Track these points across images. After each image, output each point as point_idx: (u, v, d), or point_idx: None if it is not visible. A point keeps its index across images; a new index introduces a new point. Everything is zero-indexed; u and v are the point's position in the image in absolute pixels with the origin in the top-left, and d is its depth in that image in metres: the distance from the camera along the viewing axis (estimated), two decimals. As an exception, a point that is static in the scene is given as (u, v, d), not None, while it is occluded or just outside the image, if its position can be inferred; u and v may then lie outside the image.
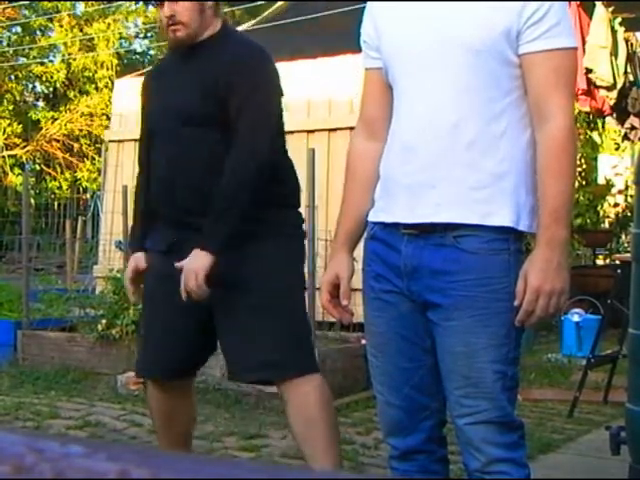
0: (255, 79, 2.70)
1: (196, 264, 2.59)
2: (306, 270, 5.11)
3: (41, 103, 20.72)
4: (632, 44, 7.33)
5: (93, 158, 18.00)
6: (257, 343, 2.69)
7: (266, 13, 9.83)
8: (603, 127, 9.88)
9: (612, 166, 9.36)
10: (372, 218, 2.09)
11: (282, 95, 2.82)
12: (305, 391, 2.72)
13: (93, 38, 18.29)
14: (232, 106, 2.66)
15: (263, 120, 2.71)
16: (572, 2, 6.50)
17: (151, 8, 20.45)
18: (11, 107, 18.76)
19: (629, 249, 4.22)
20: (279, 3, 9.94)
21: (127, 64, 19.01)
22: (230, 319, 2.72)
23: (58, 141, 18.44)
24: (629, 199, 8.50)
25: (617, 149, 10.25)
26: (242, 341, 2.71)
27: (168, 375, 2.89)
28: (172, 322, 2.80)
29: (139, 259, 2.88)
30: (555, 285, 1.88)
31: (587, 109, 7.37)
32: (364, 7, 2.18)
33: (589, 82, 6.70)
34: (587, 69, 6.59)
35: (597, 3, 6.70)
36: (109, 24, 18.45)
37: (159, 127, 2.82)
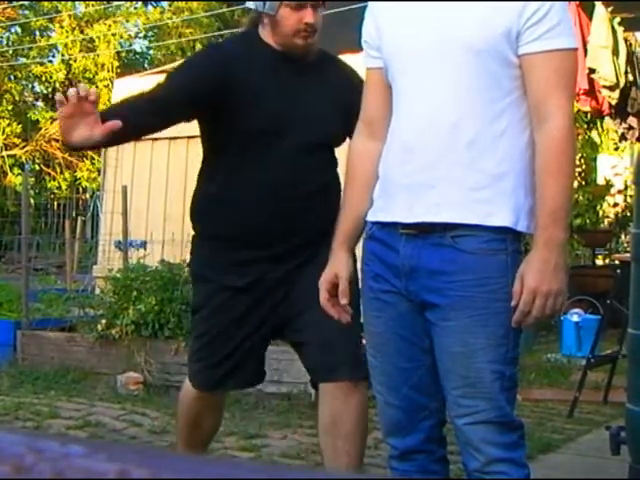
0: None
1: None
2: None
3: (40, 103, 20.71)
4: (631, 44, 7.33)
5: (93, 158, 17.99)
6: (348, 342, 2.64)
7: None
8: (602, 127, 9.88)
9: (611, 166, 9.36)
10: (370, 218, 2.09)
11: None
12: (353, 400, 2.67)
13: (93, 39, 18.28)
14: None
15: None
16: (572, 2, 6.51)
17: (151, 9, 20.45)
18: (10, 107, 18.75)
19: (629, 249, 4.22)
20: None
21: (127, 64, 19.00)
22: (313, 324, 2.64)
23: (58, 141, 18.39)
24: (628, 199, 8.50)
25: (616, 149, 10.25)
26: (335, 341, 2.64)
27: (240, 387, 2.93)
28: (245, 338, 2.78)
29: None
30: (552, 286, 1.88)
31: (587, 109, 7.37)
32: (365, 7, 2.18)
33: (591, 82, 6.69)
34: (590, 69, 6.59)
35: (597, 3, 6.70)
36: (109, 26, 18.45)
37: (275, 141, 2.67)
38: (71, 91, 2.24)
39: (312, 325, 2.62)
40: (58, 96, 2.26)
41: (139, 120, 2.56)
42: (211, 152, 2.81)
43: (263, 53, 2.75)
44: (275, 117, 2.68)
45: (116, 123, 2.28)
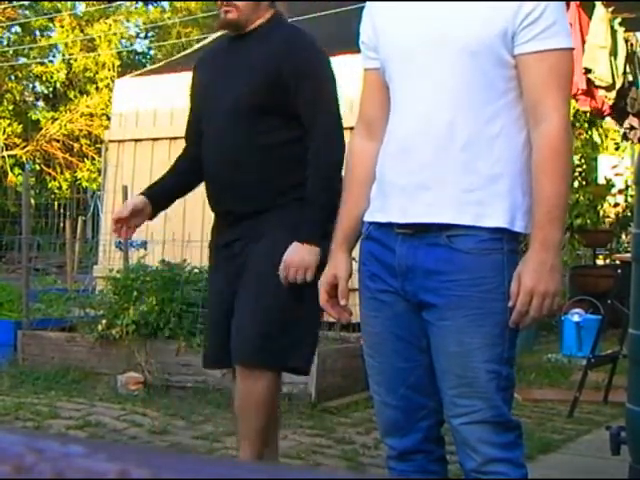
0: (317, 71, 2.79)
1: (306, 260, 2.67)
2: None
3: (41, 103, 20.72)
4: (632, 44, 7.33)
5: (93, 158, 18.01)
6: (250, 328, 2.72)
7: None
8: (602, 127, 9.88)
9: (612, 166, 9.36)
10: (367, 218, 2.09)
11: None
12: (256, 387, 2.73)
13: (94, 39, 18.29)
14: (300, 95, 2.71)
15: (335, 111, 2.81)
16: (572, 2, 6.51)
17: (151, 8, 20.48)
18: (11, 107, 18.76)
19: (629, 249, 4.22)
20: (278, 3, 9.94)
21: (127, 64, 19.01)
22: (238, 303, 2.77)
23: (58, 141, 18.44)
24: (629, 199, 8.50)
25: (617, 149, 10.25)
26: (239, 326, 2.75)
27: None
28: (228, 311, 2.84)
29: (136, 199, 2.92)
30: (549, 286, 1.88)
31: (587, 109, 7.37)
32: (363, 7, 2.18)
33: (589, 82, 6.70)
34: (586, 69, 6.59)
35: (597, 3, 6.70)
36: (110, 25, 18.45)
37: (212, 117, 2.82)
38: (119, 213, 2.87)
39: (238, 306, 2.75)
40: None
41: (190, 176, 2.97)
42: None
43: (218, 45, 3.00)
44: (201, 104, 2.88)
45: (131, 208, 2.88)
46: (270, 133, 2.75)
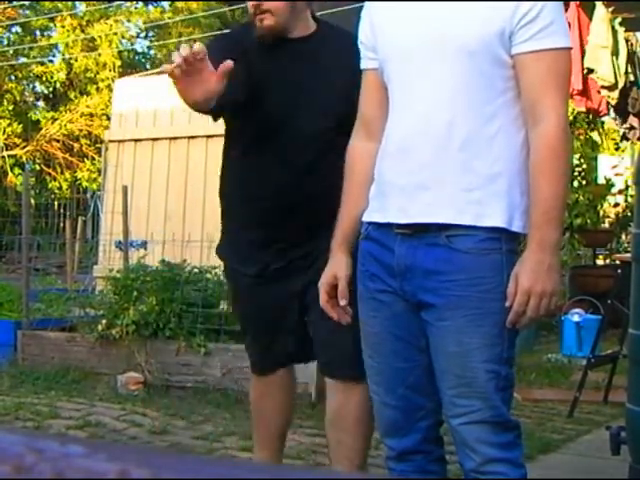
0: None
1: None
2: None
3: (41, 103, 20.71)
4: (632, 44, 7.33)
5: (93, 158, 18.00)
6: (345, 341, 2.59)
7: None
8: (603, 127, 9.88)
9: (612, 166, 9.36)
10: (366, 218, 2.09)
11: None
12: (360, 399, 2.66)
13: (95, 39, 18.29)
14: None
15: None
16: (571, 2, 6.51)
17: (151, 8, 20.47)
18: (11, 107, 18.75)
19: (629, 249, 4.22)
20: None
21: (129, 64, 19.01)
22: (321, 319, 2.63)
23: (58, 141, 18.43)
24: (629, 199, 8.50)
25: (617, 149, 10.25)
26: (333, 341, 2.66)
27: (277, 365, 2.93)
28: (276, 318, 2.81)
29: None
30: (546, 286, 1.88)
31: (583, 109, 7.37)
32: (362, 7, 2.18)
33: (585, 82, 6.70)
34: (588, 69, 6.59)
35: (597, 3, 6.70)
36: (110, 25, 18.45)
37: (286, 133, 2.64)
38: (180, 53, 2.09)
39: (316, 320, 2.64)
40: (175, 58, 2.08)
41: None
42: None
43: (260, 47, 2.71)
44: (270, 103, 2.66)
45: (227, 64, 2.17)
46: (340, 145, 2.44)
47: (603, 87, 6.73)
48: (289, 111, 2.65)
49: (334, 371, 2.73)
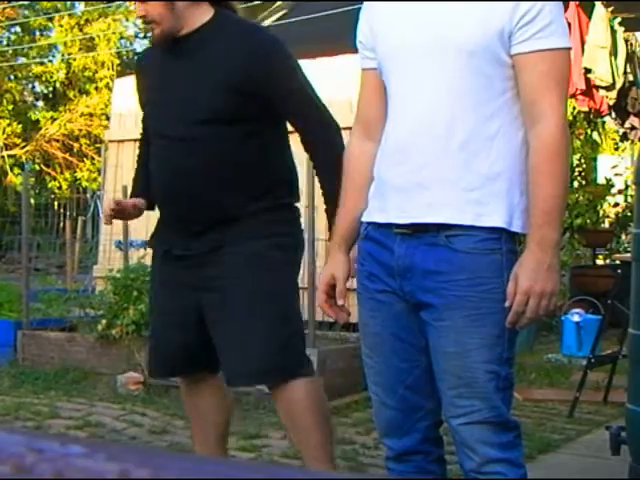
0: (284, 65, 2.70)
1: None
2: (306, 270, 5.10)
3: (41, 103, 20.71)
4: (632, 44, 7.34)
5: (93, 158, 18.01)
6: (249, 349, 2.64)
7: (266, 13, 9.83)
8: (603, 127, 9.88)
9: (612, 166, 9.36)
10: (365, 218, 2.09)
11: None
12: (295, 398, 2.69)
13: (93, 38, 18.30)
14: (274, 98, 2.64)
15: (318, 99, 2.76)
16: (571, 2, 6.51)
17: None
18: (11, 107, 18.76)
19: (629, 249, 4.22)
20: (278, 3, 9.94)
21: (127, 64, 19.01)
22: (222, 321, 2.68)
23: (58, 141, 18.44)
24: (629, 199, 8.50)
25: (617, 149, 10.25)
26: (234, 346, 2.66)
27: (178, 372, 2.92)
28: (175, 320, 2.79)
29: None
30: (545, 286, 1.87)
31: (585, 109, 7.38)
32: (361, 7, 2.18)
33: (588, 82, 6.70)
34: (586, 69, 6.60)
35: (597, 3, 6.70)
36: (109, 24, 18.45)
37: (165, 128, 2.73)
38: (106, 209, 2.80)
39: (230, 325, 2.66)
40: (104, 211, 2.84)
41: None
42: None
43: (154, 51, 2.90)
44: (151, 115, 2.83)
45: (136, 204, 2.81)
46: (232, 141, 2.65)
47: (600, 87, 6.73)
48: (165, 110, 2.74)
49: (243, 379, 2.80)
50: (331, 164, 2.52)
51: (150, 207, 2.86)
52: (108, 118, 11.74)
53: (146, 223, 7.76)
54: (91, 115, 18.09)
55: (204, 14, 2.71)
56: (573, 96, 6.61)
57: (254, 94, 2.61)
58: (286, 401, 2.71)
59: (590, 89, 6.76)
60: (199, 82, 2.67)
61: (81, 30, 18.61)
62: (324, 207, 2.71)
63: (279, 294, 2.70)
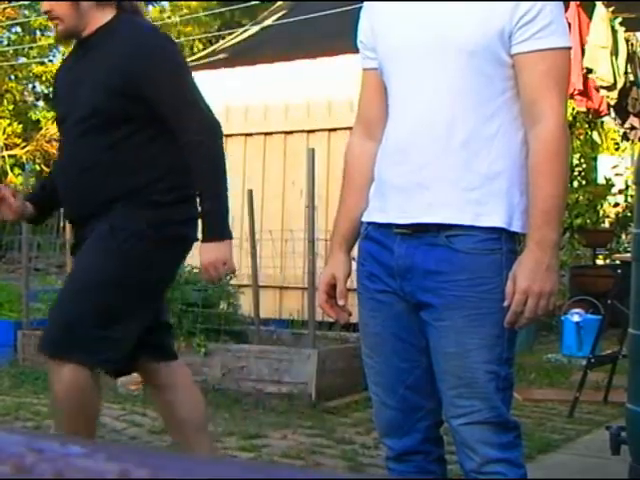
0: (164, 67, 2.71)
1: (220, 256, 2.73)
2: (306, 270, 5.09)
3: (41, 103, 20.71)
4: (632, 44, 7.34)
5: (93, 158, 17.97)
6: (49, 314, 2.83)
7: (266, 13, 9.83)
8: (602, 127, 9.88)
9: (612, 166, 9.36)
10: (366, 218, 2.09)
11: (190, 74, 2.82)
12: (57, 379, 2.70)
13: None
14: (153, 99, 2.67)
15: (198, 100, 2.74)
16: (571, 2, 6.51)
17: (151, 8, 20.45)
18: (11, 107, 18.76)
19: (629, 249, 4.22)
20: (278, 3, 9.94)
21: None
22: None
23: (58, 141, 18.43)
24: (629, 199, 8.50)
25: (617, 149, 10.25)
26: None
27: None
28: None
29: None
30: (544, 286, 1.87)
31: (583, 109, 7.38)
32: (361, 7, 2.18)
33: (585, 82, 6.70)
34: (587, 69, 6.60)
35: (597, 3, 6.70)
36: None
37: (63, 127, 2.86)
38: None
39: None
40: None
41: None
42: None
43: (71, 52, 2.99)
44: (57, 101, 2.93)
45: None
46: (111, 140, 2.72)
47: (602, 87, 6.73)
48: (61, 110, 2.87)
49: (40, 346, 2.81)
50: (206, 171, 2.66)
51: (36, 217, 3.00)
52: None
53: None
54: (91, 115, 18.06)
55: (106, 16, 2.78)
56: (571, 96, 6.61)
57: (133, 95, 2.67)
58: (53, 380, 2.74)
59: (588, 89, 6.76)
60: (86, 82, 2.74)
61: (81, 30, 18.59)
62: (206, 207, 2.73)
63: (94, 281, 2.71)
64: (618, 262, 6.22)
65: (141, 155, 2.73)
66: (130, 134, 2.72)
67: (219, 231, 2.73)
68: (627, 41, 7.13)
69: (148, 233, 2.71)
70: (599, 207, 8.63)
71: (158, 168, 2.74)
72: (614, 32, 6.79)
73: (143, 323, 2.80)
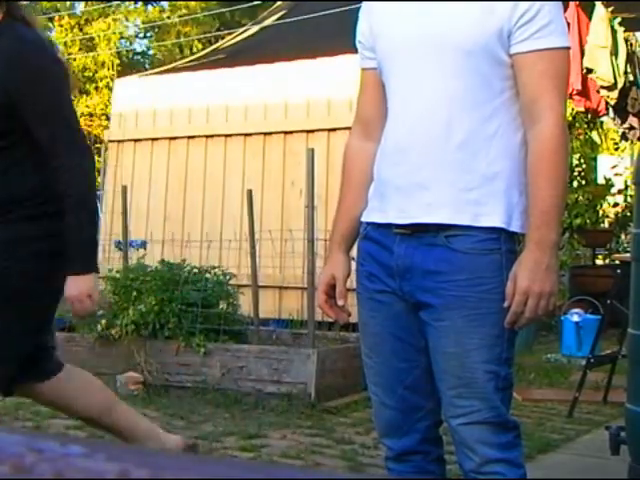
0: (33, 78, 2.58)
1: (84, 291, 2.60)
2: (305, 270, 5.09)
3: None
4: (632, 44, 7.34)
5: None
6: None
7: (266, 13, 9.83)
8: (602, 127, 9.88)
9: (612, 166, 9.36)
10: (365, 218, 2.09)
11: (68, 85, 2.69)
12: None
13: (93, 38, 18.29)
14: (25, 118, 2.56)
15: (71, 120, 2.64)
16: (571, 2, 6.51)
17: (150, 8, 20.47)
18: (11, 107, 18.71)
19: (629, 249, 4.22)
20: (278, 3, 9.94)
21: (128, 64, 19.00)
22: None
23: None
24: (629, 199, 8.51)
25: (617, 149, 10.26)
26: None
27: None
28: None
29: None
30: (544, 286, 1.87)
31: (582, 109, 7.38)
32: (360, 7, 2.18)
33: (584, 82, 6.70)
34: (587, 69, 6.60)
35: (597, 3, 6.70)
36: (109, 24, 18.45)
37: None
38: None
39: None
40: None
41: None
42: None
43: None
44: None
45: None
46: None
47: (602, 87, 6.73)
48: None
49: None
50: (70, 198, 2.55)
51: None
52: (108, 118, 11.73)
53: (146, 223, 7.78)
54: (91, 115, 18.06)
55: None
56: (569, 96, 6.61)
57: (6, 105, 2.54)
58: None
59: (587, 89, 6.77)
60: None
61: (81, 30, 18.60)
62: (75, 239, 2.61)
63: None
64: (617, 262, 6.23)
65: (16, 169, 2.62)
66: (4, 148, 2.60)
67: (81, 264, 2.61)
68: (626, 41, 7.13)
69: (20, 247, 2.62)
70: (599, 207, 8.64)
71: (34, 182, 2.63)
72: (613, 32, 6.79)
73: (23, 345, 2.75)
